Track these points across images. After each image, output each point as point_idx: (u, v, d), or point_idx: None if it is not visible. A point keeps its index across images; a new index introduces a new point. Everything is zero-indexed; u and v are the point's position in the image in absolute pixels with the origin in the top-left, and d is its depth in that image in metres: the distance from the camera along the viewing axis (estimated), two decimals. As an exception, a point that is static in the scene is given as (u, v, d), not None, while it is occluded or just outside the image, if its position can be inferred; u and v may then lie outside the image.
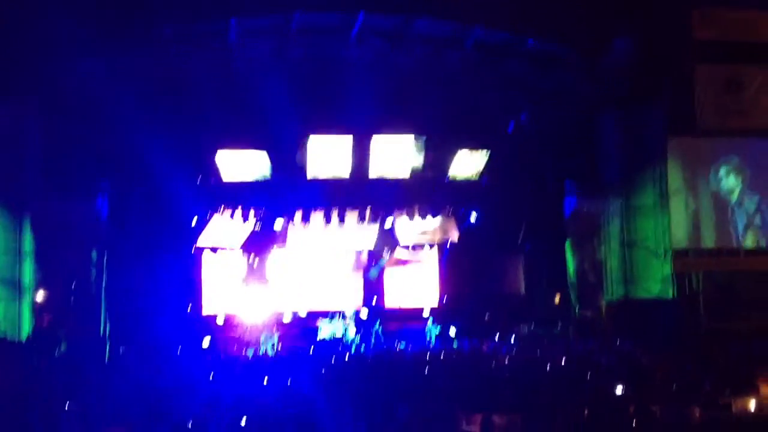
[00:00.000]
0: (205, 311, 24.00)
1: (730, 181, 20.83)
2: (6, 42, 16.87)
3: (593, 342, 19.36)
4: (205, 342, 21.65)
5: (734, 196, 20.83)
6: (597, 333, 21.01)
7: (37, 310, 19.56)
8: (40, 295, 19.76)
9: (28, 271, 19.28)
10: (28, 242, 19.35)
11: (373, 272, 25.70)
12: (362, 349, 21.87)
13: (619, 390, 11.30)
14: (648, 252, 20.78)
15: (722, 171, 20.83)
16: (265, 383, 14.08)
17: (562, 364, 15.02)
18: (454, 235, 25.27)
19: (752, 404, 10.74)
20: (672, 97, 20.04)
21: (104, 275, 20.42)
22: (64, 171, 19.32)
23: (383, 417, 10.45)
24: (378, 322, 23.68)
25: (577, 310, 22.71)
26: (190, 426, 9.91)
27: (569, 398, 10.55)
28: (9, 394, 12.21)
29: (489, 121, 22.26)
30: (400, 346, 21.78)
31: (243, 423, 11.08)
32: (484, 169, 23.26)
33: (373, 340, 22.80)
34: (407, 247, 25.88)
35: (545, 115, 22.03)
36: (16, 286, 19.00)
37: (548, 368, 14.45)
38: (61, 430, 10.22)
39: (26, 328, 18.96)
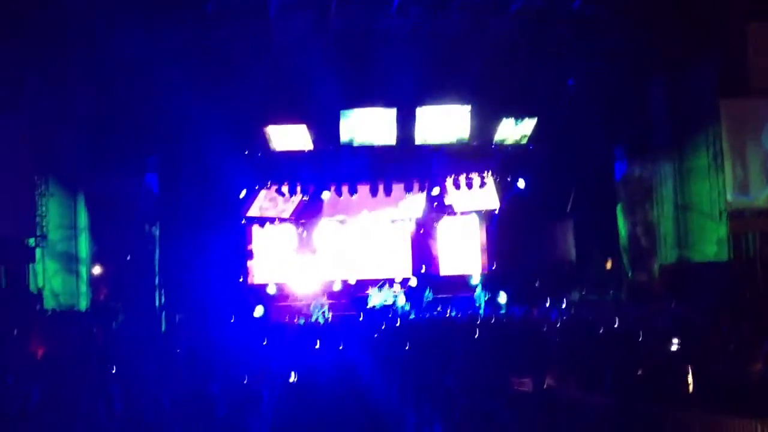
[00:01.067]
0: (256, 281, 24.33)
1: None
2: (55, 19, 17.11)
3: (646, 306, 19.08)
4: (258, 311, 21.99)
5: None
6: (650, 297, 20.71)
7: (94, 283, 20.10)
8: (97, 269, 20.28)
9: (84, 246, 19.79)
10: (82, 217, 19.85)
11: (422, 241, 25.72)
12: (412, 316, 21.99)
13: (674, 349, 11.11)
14: (702, 214, 20.34)
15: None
16: (316, 348, 14.23)
17: (615, 326, 14.83)
18: (502, 203, 25.06)
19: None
20: (723, 57, 19.46)
21: (157, 248, 20.84)
22: (115, 147, 19.68)
23: (434, 381, 10.45)
24: (428, 290, 23.74)
25: (629, 275, 22.41)
26: (244, 391, 10.07)
27: (622, 360, 10.41)
28: (69, 363, 12.54)
29: (536, 88, 21.85)
30: (451, 312, 21.82)
31: (294, 388, 11.25)
32: (532, 135, 22.92)
33: (423, 308, 22.88)
34: (455, 215, 25.78)
35: (594, 80, 21.55)
36: (73, 260, 19.54)
37: (601, 331, 14.28)
38: (118, 398, 10.44)
39: (84, 300, 19.50)
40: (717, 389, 8.51)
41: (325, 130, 21.70)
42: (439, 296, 23.98)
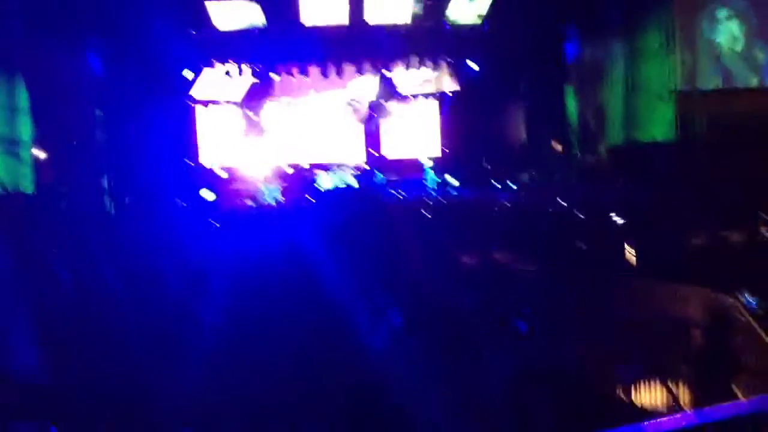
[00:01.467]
0: (206, 164, 24.04)
1: (732, 28, 20.10)
2: None
3: (593, 185, 19.40)
4: (208, 194, 21.83)
5: (739, 45, 20.19)
6: (598, 178, 21.03)
7: (38, 166, 19.60)
8: (41, 153, 19.75)
9: (25, 128, 19.17)
10: (23, 98, 19.12)
11: (372, 124, 25.52)
12: (362, 198, 22.05)
13: (618, 223, 11.39)
14: (651, 95, 20.45)
15: (721, 14, 20.04)
16: (267, 231, 14.22)
17: (562, 205, 15.10)
18: (454, 85, 24.85)
19: (748, 235, 10.85)
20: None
21: (103, 130, 20.30)
22: (53, 25, 18.77)
23: (385, 260, 10.58)
24: (379, 173, 23.76)
25: (578, 157, 22.66)
26: (194, 271, 10.07)
27: (567, 235, 10.65)
28: (14, 247, 12.35)
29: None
30: (401, 194, 21.92)
31: (246, 269, 11.27)
32: (487, 15, 22.51)
33: (384, 190, 22.94)
34: (406, 98, 25.54)
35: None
36: (14, 143, 18.95)
37: (548, 210, 14.54)
38: (66, 282, 10.36)
39: (28, 183, 19.07)
40: (659, 261, 8.79)
41: (275, 7, 20.98)
42: (391, 180, 24.03)
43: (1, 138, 18.87)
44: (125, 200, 20.06)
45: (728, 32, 20.03)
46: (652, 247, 9.66)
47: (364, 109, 25.43)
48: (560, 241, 10.10)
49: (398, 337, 7.05)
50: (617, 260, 9.04)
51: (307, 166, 24.06)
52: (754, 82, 20.17)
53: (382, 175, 23.81)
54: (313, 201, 21.44)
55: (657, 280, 7.35)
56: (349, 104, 25.29)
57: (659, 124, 20.22)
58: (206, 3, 20.69)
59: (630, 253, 9.17)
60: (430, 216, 15.74)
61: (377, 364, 6.56)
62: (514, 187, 21.94)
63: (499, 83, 23.89)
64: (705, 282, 6.93)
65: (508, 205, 16.49)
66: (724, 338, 6.07)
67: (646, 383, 6.14)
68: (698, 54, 19.89)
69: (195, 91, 23.41)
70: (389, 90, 25.27)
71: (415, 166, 24.85)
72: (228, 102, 24.39)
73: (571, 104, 22.82)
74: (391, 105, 25.77)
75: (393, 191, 22.94)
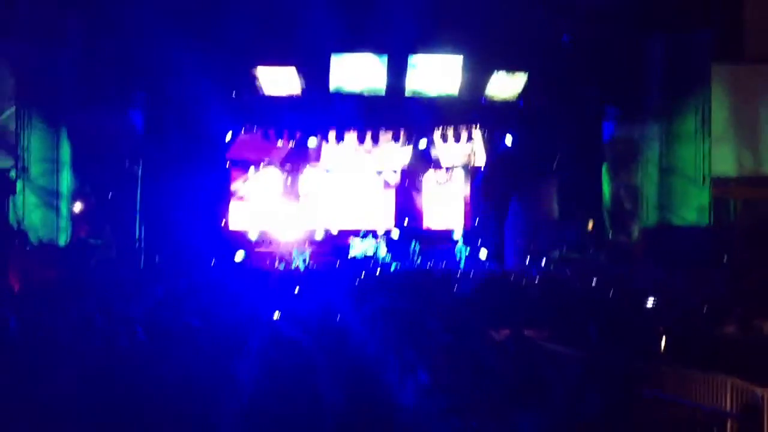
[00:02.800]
0: (238, 226, 24.26)
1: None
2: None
3: (625, 267, 19.23)
4: (239, 256, 21.98)
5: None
6: (630, 259, 20.86)
7: (74, 219, 19.95)
8: (77, 205, 20.11)
9: (66, 181, 19.60)
10: (65, 152, 19.62)
11: (406, 193, 25.66)
12: (393, 267, 22.08)
13: (649, 307, 11.25)
14: (685, 179, 20.42)
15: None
16: (296, 293, 14.26)
17: (592, 285, 14.97)
18: (488, 158, 24.98)
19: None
20: (720, 21, 19.35)
21: (139, 187, 20.61)
22: (100, 82, 19.36)
23: (414, 330, 10.51)
24: (414, 243, 23.77)
25: (610, 236, 22.52)
26: (225, 330, 10.07)
27: (597, 316, 10.53)
28: (47, 298, 12.51)
29: (530, 42, 21.60)
30: (431, 265, 21.92)
31: (276, 331, 11.26)
32: (523, 91, 22.74)
33: (413, 259, 23.00)
34: (441, 168, 25.72)
35: (587, 37, 21.34)
36: (54, 195, 19.35)
37: (578, 289, 14.42)
38: (97, 331, 10.41)
39: (63, 235, 19.37)
40: (690, 347, 8.65)
41: (315, 74, 21.40)
42: (422, 249, 24.05)
43: (41, 189, 19.30)
44: (155, 258, 20.23)
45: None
46: (683, 332, 9.52)
47: (398, 178, 25.64)
48: (589, 321, 9.98)
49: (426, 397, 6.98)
50: (648, 343, 8.91)
51: (336, 233, 24.19)
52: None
53: (416, 244, 23.80)
54: (338, 265, 21.54)
55: (687, 367, 7.24)
56: (384, 173, 25.52)
57: (692, 208, 20.14)
58: (254, 69, 21.19)
59: (659, 338, 9.04)
60: (457, 287, 15.68)
61: (405, 421, 6.51)
62: (543, 263, 21.80)
63: (533, 159, 23.96)
64: (737, 371, 6.79)
65: (536, 281, 16.38)
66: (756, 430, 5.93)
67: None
68: (743, 139, 19.96)
69: (233, 153, 23.79)
70: (423, 160, 25.49)
71: (446, 237, 24.87)
72: (265, 165, 24.72)
73: (606, 183, 22.79)
74: (425, 175, 25.96)
75: (422, 261, 22.99)
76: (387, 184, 25.66)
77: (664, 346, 8.90)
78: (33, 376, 6.86)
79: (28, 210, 18.72)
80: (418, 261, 22.98)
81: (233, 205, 24.53)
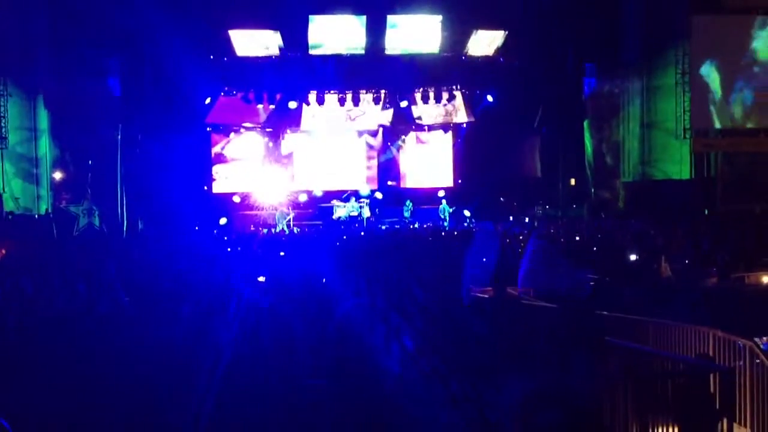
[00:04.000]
0: (221, 190, 24.14)
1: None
2: None
3: (608, 221, 19.36)
4: (222, 220, 21.90)
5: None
6: (612, 213, 21.01)
7: (55, 187, 19.79)
8: (58, 174, 19.94)
9: (44, 149, 19.40)
10: (42, 120, 19.39)
11: (388, 154, 25.58)
12: (377, 228, 22.10)
13: (632, 258, 11.34)
14: (667, 133, 20.51)
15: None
16: (281, 256, 14.22)
17: (575, 239, 15.06)
18: (470, 116, 24.91)
19: (765, 278, 10.75)
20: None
21: (119, 153, 20.45)
22: (74, 49, 19.07)
23: (399, 288, 10.54)
24: (408, 202, 23.77)
25: (593, 192, 22.64)
26: (209, 293, 10.05)
27: (579, 268, 10.60)
28: (29, 266, 12.41)
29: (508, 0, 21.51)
30: (414, 224, 21.94)
31: (260, 292, 11.24)
32: (502, 49, 22.65)
33: (403, 219, 23.08)
34: (423, 128, 25.62)
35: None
36: (33, 163, 19.18)
37: (562, 244, 14.50)
38: (81, 299, 10.36)
39: (44, 204, 19.23)
40: (674, 299, 8.72)
41: (293, 36, 21.21)
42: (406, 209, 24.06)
43: (20, 158, 19.10)
44: (138, 224, 20.14)
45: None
46: (665, 284, 9.61)
47: (380, 139, 25.52)
48: (568, 274, 10.06)
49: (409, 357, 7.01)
50: (630, 297, 8.98)
51: (321, 194, 24.12)
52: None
53: (411, 204, 23.81)
54: (321, 227, 21.50)
55: (671, 319, 7.30)
56: (365, 133, 25.39)
57: (674, 162, 20.26)
58: (229, 31, 20.91)
59: (640, 290, 9.12)
60: (441, 245, 15.70)
61: (388, 381, 6.53)
62: (527, 220, 21.90)
63: (515, 116, 23.91)
64: (719, 323, 6.86)
65: (520, 237, 16.43)
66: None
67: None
68: (719, 91, 19.99)
69: (213, 117, 23.56)
70: (405, 120, 25.36)
71: (430, 196, 24.85)
72: (246, 129, 24.52)
73: (588, 139, 22.85)
74: (407, 135, 25.85)
75: (407, 220, 23.03)
76: (369, 145, 25.53)
77: (646, 298, 8.97)
78: (17, 344, 6.85)
79: (8, 179, 18.55)
80: (409, 220, 23.04)
81: (215, 170, 24.36)
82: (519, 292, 10.36)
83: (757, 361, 6.02)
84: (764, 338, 6.51)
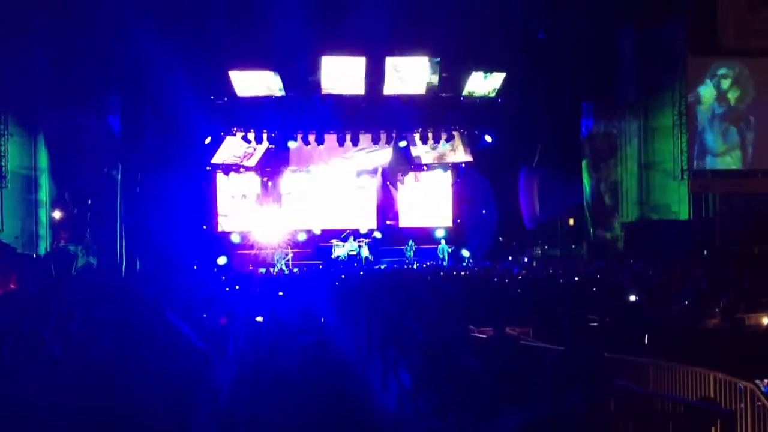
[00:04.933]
0: (220, 230, 24.16)
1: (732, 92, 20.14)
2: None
3: (607, 262, 19.31)
4: (221, 260, 21.87)
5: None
6: (611, 254, 20.98)
7: (55, 226, 19.77)
8: (57, 213, 19.93)
9: (45, 187, 19.42)
10: (43, 159, 19.44)
11: (387, 193, 25.64)
12: (376, 268, 22.07)
13: (631, 300, 11.27)
14: (665, 173, 20.59)
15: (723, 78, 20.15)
16: (280, 295, 14.17)
17: (575, 280, 15.00)
18: (468, 156, 25.04)
19: (765, 320, 10.67)
20: (693, 14, 19.48)
21: (119, 192, 20.48)
22: (76, 87, 19.15)
23: (396, 328, 10.48)
24: (411, 242, 23.81)
25: (591, 232, 22.65)
26: (207, 333, 9.99)
27: (579, 311, 10.54)
28: (28, 307, 12.35)
29: (505, 41, 21.67)
30: (413, 264, 21.92)
31: (258, 333, 11.18)
32: (501, 88, 22.84)
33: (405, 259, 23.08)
34: (422, 168, 25.74)
35: (562, 34, 21.44)
36: (32, 202, 19.18)
37: (561, 285, 14.44)
38: (75, 342, 10.29)
39: (43, 243, 19.20)
40: (672, 340, 8.66)
41: (293, 77, 21.38)
42: (402, 248, 24.09)
43: (20, 197, 19.10)
44: (137, 264, 20.10)
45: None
46: (665, 326, 9.54)
47: (379, 179, 25.62)
48: (568, 315, 10.00)
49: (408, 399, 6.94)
50: (629, 338, 8.94)
51: (319, 233, 24.15)
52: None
53: (414, 244, 23.83)
54: (321, 267, 21.46)
55: (669, 361, 7.27)
56: (364, 173, 25.50)
57: (672, 202, 20.30)
58: (229, 72, 21.09)
59: (641, 331, 9.07)
60: (440, 285, 15.64)
61: (387, 424, 6.47)
62: (526, 260, 21.89)
63: (514, 156, 24.07)
64: (720, 365, 6.81)
65: (520, 277, 16.40)
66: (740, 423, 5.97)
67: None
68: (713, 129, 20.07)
69: (212, 156, 23.66)
70: (404, 159, 25.50)
71: (428, 236, 24.89)
72: (246, 168, 24.62)
73: (586, 179, 22.93)
74: (406, 174, 25.97)
75: (407, 261, 23.02)
76: (367, 185, 25.63)
77: (647, 340, 8.92)
78: (10, 385, 6.77)
79: (7, 218, 18.53)
80: (411, 260, 23.07)
81: (215, 209, 24.41)
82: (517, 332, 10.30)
83: (758, 403, 5.98)
84: (765, 380, 6.47)
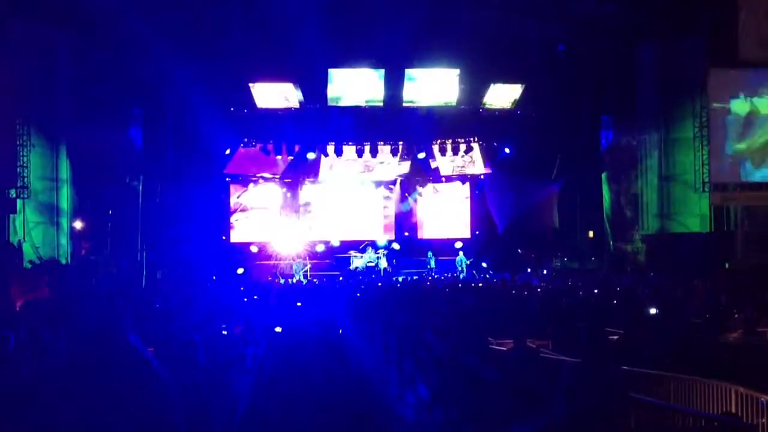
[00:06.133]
0: (239, 241, 24.26)
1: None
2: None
3: (627, 275, 19.18)
4: (240, 270, 21.95)
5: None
6: (631, 267, 20.84)
7: (76, 236, 19.92)
8: (78, 223, 20.09)
9: (66, 198, 19.58)
10: (64, 169, 19.59)
11: (405, 205, 25.68)
12: (394, 279, 22.05)
13: (651, 313, 11.19)
14: (685, 186, 20.43)
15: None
16: (297, 306, 14.16)
17: (595, 293, 14.91)
18: (487, 168, 25.01)
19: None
20: (713, 27, 19.37)
21: (140, 202, 20.64)
22: (98, 99, 19.31)
23: (415, 340, 10.46)
24: (431, 254, 23.81)
25: (611, 244, 22.52)
26: (225, 343, 10.02)
27: (599, 324, 10.47)
28: (48, 316, 12.44)
29: (525, 53, 21.65)
30: (433, 275, 21.88)
31: (276, 342, 11.19)
32: (520, 100, 22.82)
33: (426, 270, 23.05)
34: (440, 179, 25.75)
35: (582, 46, 21.39)
36: (54, 212, 19.32)
37: (580, 298, 14.35)
38: (96, 350, 10.31)
39: (64, 253, 19.34)
40: (692, 354, 8.59)
41: (312, 88, 21.48)
42: (421, 260, 24.07)
43: (42, 207, 19.27)
44: (156, 274, 20.22)
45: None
46: (687, 339, 9.46)
47: (398, 190, 25.65)
48: (588, 329, 9.94)
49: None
50: (649, 351, 8.87)
51: (338, 244, 24.19)
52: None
53: (433, 255, 23.82)
54: (341, 279, 21.46)
55: (691, 375, 7.20)
56: (382, 184, 25.53)
57: (693, 215, 20.13)
58: (249, 84, 21.23)
59: (661, 345, 8.99)
60: (458, 298, 15.59)
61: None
62: (545, 272, 21.79)
63: (532, 169, 24.03)
64: (741, 379, 6.75)
65: (539, 290, 16.33)
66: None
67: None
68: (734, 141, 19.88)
69: (232, 168, 23.82)
70: (422, 171, 25.52)
71: (447, 247, 24.87)
72: (266, 179, 24.74)
73: (606, 191, 22.81)
74: (424, 186, 25.99)
75: (428, 271, 23.00)
76: (386, 196, 25.66)
77: (669, 354, 8.84)
78: (31, 396, 6.81)
79: (29, 228, 18.70)
80: (433, 270, 23.07)
81: (233, 220, 24.54)
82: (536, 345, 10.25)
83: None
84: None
